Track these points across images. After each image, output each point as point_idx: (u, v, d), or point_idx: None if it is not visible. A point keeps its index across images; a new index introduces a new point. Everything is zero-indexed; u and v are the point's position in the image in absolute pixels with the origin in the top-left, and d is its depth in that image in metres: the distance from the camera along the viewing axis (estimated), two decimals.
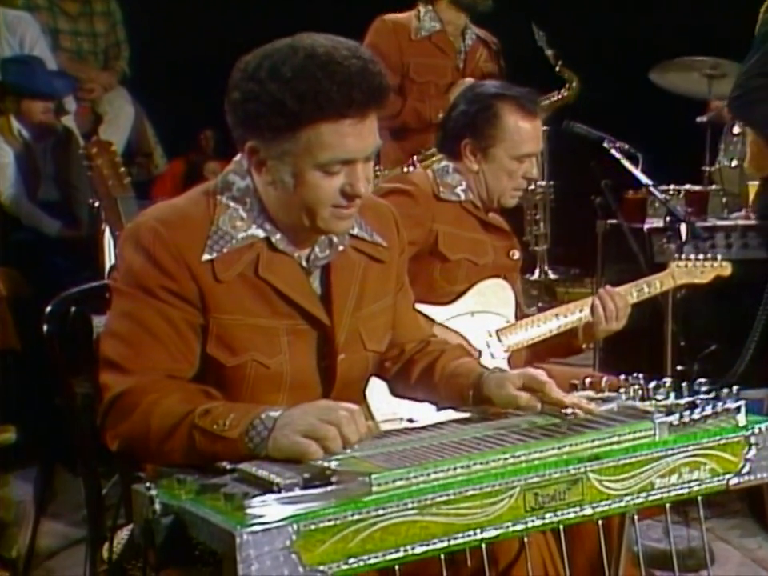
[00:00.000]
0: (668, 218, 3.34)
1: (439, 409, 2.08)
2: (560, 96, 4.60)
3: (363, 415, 1.69)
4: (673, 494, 1.72)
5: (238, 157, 1.94)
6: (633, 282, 3.02)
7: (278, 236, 1.91)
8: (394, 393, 2.21)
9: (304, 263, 1.94)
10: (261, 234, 1.90)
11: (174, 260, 1.83)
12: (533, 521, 1.60)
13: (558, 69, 4.68)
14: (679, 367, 3.52)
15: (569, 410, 1.81)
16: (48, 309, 2.11)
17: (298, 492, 1.48)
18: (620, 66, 6.46)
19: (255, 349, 1.88)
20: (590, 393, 1.91)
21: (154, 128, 5.79)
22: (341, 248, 1.97)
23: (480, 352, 2.75)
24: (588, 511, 1.64)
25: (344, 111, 1.77)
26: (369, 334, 2.00)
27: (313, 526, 1.43)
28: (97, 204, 3.50)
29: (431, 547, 1.52)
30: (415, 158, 4.11)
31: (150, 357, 1.82)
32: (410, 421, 1.88)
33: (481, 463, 1.59)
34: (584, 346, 2.96)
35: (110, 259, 3.50)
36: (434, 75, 4.43)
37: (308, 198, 1.83)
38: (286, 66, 1.76)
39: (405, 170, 3.99)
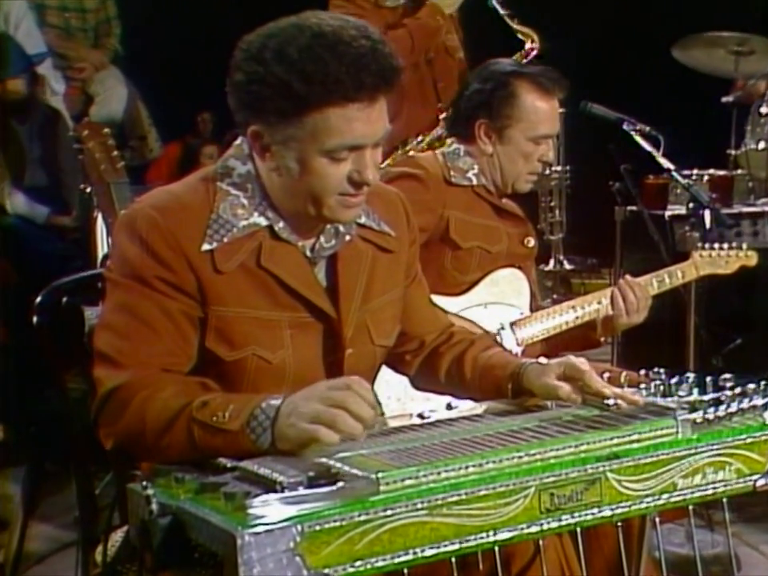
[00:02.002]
0: (691, 205, 3.34)
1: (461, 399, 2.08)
2: (524, 55, 4.47)
3: (365, 384, 1.69)
4: (696, 495, 1.72)
5: (238, 141, 1.94)
6: (653, 273, 3.02)
7: (281, 224, 1.91)
8: (418, 387, 2.23)
9: (308, 253, 1.94)
10: (263, 222, 1.90)
11: (171, 250, 1.83)
12: (548, 522, 1.60)
13: (515, 28, 4.55)
14: (702, 362, 3.53)
15: (611, 401, 1.83)
16: (38, 300, 2.11)
17: (302, 491, 1.49)
18: (640, 42, 6.44)
19: (256, 343, 1.88)
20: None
21: (148, 110, 5.79)
22: (347, 237, 1.97)
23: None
24: (607, 513, 1.64)
25: (352, 95, 1.77)
26: (377, 328, 2.01)
27: (318, 527, 1.43)
28: (88, 189, 3.50)
29: (442, 550, 1.52)
30: (398, 151, 4.08)
31: (145, 350, 1.82)
32: (420, 417, 1.88)
33: (494, 462, 1.59)
34: (602, 339, 2.97)
35: (102, 248, 3.50)
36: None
37: (314, 185, 1.83)
38: (292, 46, 1.76)
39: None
